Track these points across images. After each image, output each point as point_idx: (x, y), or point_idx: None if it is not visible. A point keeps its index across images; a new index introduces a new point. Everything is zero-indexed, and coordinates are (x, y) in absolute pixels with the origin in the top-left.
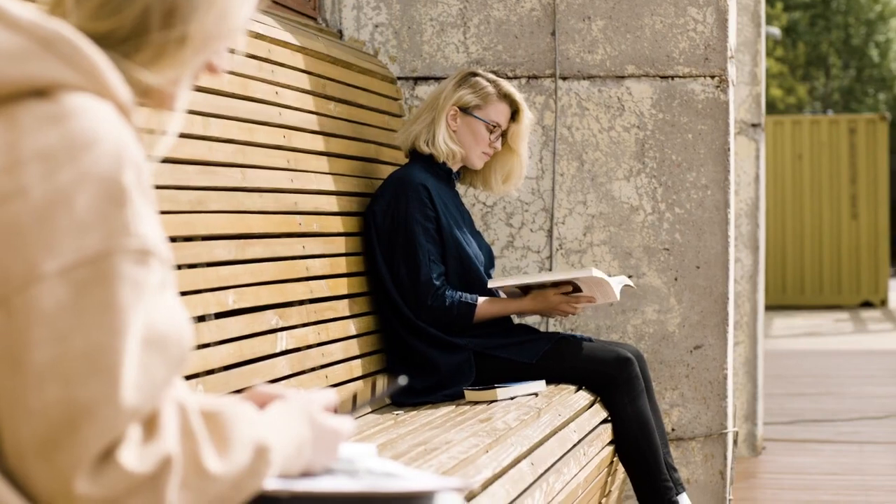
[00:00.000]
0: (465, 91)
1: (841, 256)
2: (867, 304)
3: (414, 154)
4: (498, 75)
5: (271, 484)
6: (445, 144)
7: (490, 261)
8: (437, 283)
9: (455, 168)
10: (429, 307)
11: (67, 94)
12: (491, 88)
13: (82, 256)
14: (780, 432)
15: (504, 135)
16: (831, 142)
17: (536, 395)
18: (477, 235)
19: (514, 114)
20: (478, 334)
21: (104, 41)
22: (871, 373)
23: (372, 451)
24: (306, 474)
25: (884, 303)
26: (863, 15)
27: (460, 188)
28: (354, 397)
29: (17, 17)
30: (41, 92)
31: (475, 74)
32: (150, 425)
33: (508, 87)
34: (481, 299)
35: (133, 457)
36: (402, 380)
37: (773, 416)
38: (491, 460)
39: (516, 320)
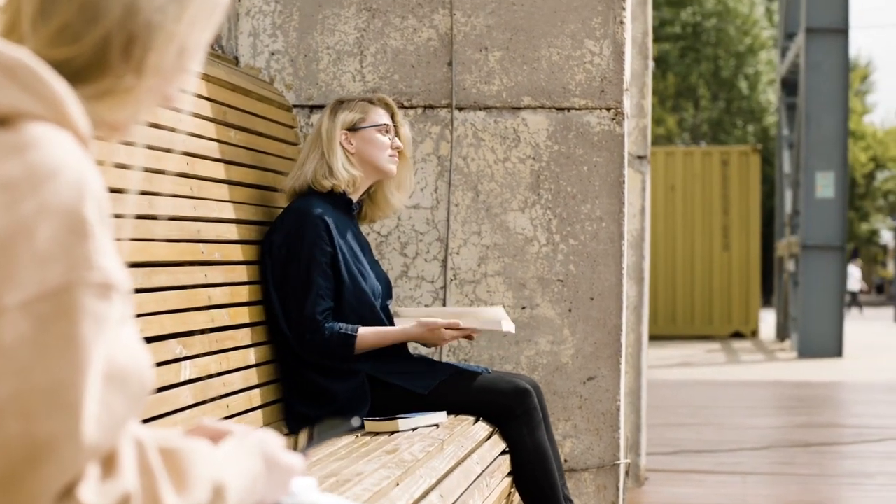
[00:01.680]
0: (344, 113)
1: (713, 287)
2: (737, 335)
3: (311, 190)
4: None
5: None
6: (345, 170)
7: (388, 291)
8: (319, 318)
9: (355, 198)
10: (307, 342)
11: (28, 123)
12: (364, 101)
13: (44, 289)
14: (663, 462)
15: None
16: (704, 173)
17: (437, 426)
18: (375, 265)
19: (392, 118)
20: (371, 358)
21: (61, 69)
22: (748, 403)
23: (313, 484)
24: None
25: (754, 333)
26: (732, 47)
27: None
28: (310, 433)
29: None
30: (1, 121)
31: (343, 99)
32: (109, 462)
33: (379, 94)
34: (362, 329)
35: (92, 494)
36: (355, 421)
37: (653, 447)
38: (403, 493)
39: (412, 349)
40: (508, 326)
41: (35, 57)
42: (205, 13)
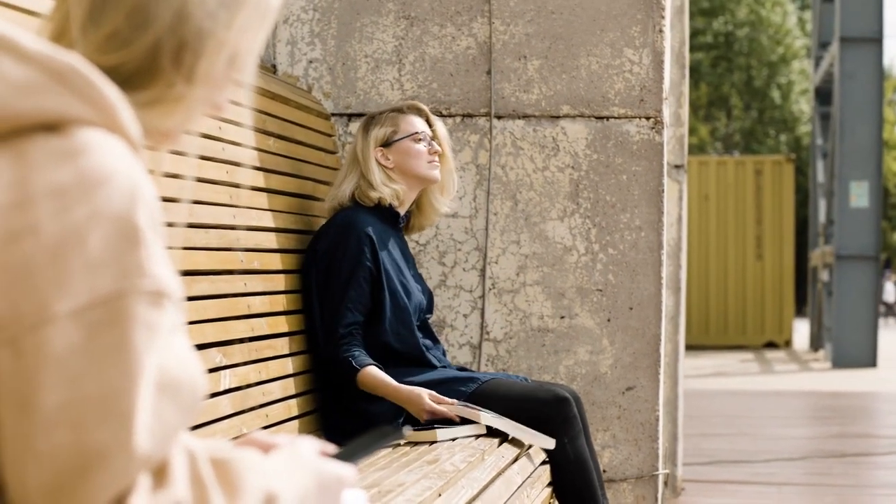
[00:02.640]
0: (376, 130)
1: (746, 297)
2: (771, 345)
3: (357, 203)
4: (432, 113)
5: None
6: (385, 186)
7: (430, 305)
8: (342, 331)
9: (402, 210)
10: (328, 353)
11: (79, 129)
12: (394, 112)
13: (95, 297)
14: (699, 473)
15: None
16: (738, 183)
17: (477, 437)
18: (419, 279)
19: (427, 122)
20: (406, 366)
21: (112, 75)
22: (782, 413)
23: (363, 497)
24: None
25: (788, 343)
26: (765, 57)
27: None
28: (357, 445)
29: (28, 48)
30: (52, 126)
31: (374, 115)
32: (161, 473)
33: (408, 101)
34: (370, 369)
35: None
36: (407, 430)
37: (689, 457)
38: (445, 503)
39: (451, 358)
40: (545, 443)
41: (86, 62)
42: (256, 19)
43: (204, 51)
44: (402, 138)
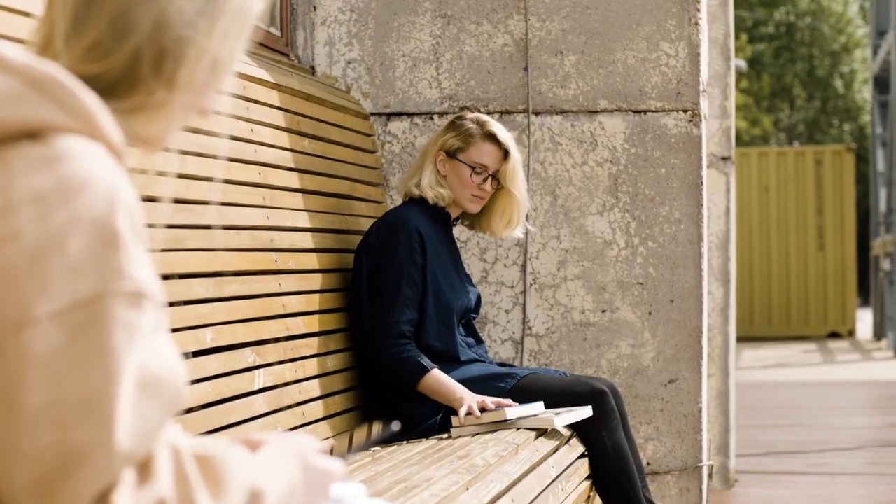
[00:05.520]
0: (450, 135)
1: (808, 287)
2: (834, 335)
3: (412, 199)
4: (470, 110)
5: None
6: (431, 188)
7: (478, 306)
8: (403, 328)
9: (454, 213)
10: (385, 348)
11: (60, 136)
12: (475, 129)
13: (76, 300)
14: (753, 464)
15: (496, 176)
16: (798, 173)
17: (536, 415)
18: (467, 280)
19: (505, 154)
20: (446, 361)
21: (94, 84)
22: (842, 403)
23: (361, 491)
24: None
25: (851, 333)
26: (827, 46)
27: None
28: (350, 439)
29: (8, 59)
30: (33, 134)
31: (462, 117)
32: (144, 469)
33: (494, 126)
34: (436, 371)
35: (128, 501)
36: (395, 425)
37: (744, 448)
38: (472, 497)
39: (493, 354)
40: (583, 413)
41: (66, 71)
42: (236, 26)
43: (184, 58)
44: (462, 162)
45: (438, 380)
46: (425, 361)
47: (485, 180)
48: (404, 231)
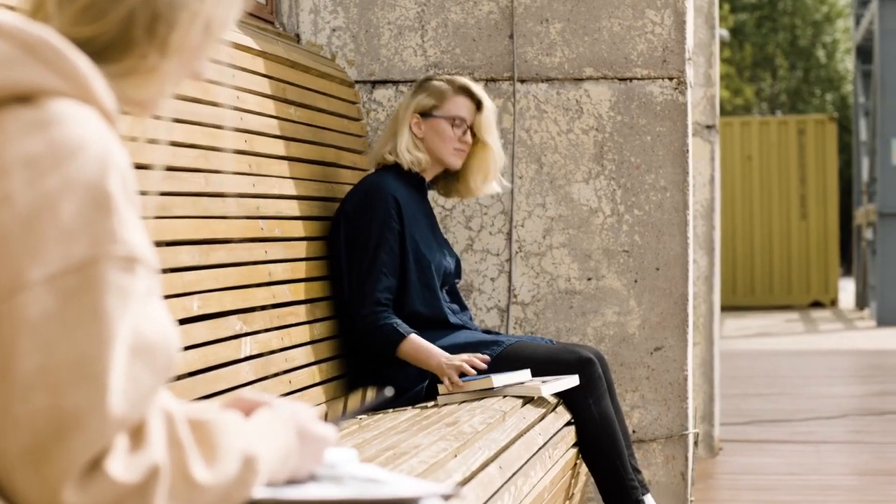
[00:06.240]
0: (422, 96)
1: (791, 257)
2: (817, 304)
3: (386, 166)
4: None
5: (258, 492)
6: (408, 152)
7: (458, 270)
8: (380, 296)
9: (428, 177)
10: (362, 317)
11: (52, 100)
12: (445, 86)
13: (68, 264)
14: (737, 433)
15: (472, 130)
16: (780, 143)
17: (523, 383)
18: (445, 245)
19: (479, 106)
20: (431, 329)
21: (86, 47)
22: (825, 373)
23: (353, 456)
24: (292, 481)
25: (833, 303)
26: (809, 16)
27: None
28: (345, 405)
29: (0, 22)
30: (25, 98)
31: (430, 79)
32: (137, 434)
33: (464, 80)
34: (413, 336)
35: (121, 466)
36: (389, 391)
37: (728, 417)
38: (460, 464)
39: (479, 322)
40: (569, 382)
41: (57, 34)
42: None
43: (177, 22)
44: (439, 117)
45: (416, 345)
46: (402, 328)
47: (464, 133)
48: (381, 198)
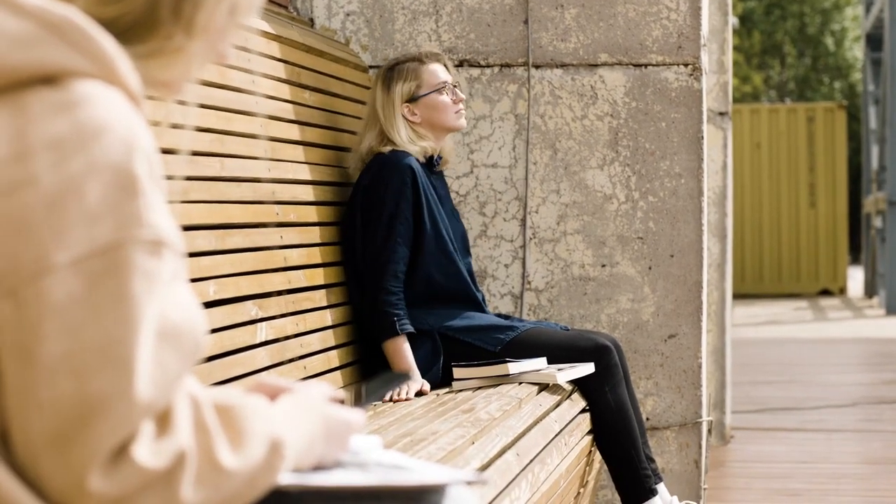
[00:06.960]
0: (399, 85)
1: (799, 245)
2: (826, 293)
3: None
4: (470, 64)
5: (284, 479)
6: (413, 144)
7: (465, 246)
8: (395, 266)
9: (435, 154)
10: (382, 289)
11: (77, 81)
12: (414, 64)
13: (94, 247)
14: (748, 421)
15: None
16: (790, 130)
17: (539, 370)
18: (454, 219)
19: (440, 60)
20: (444, 314)
21: (111, 27)
22: (835, 361)
23: (377, 442)
24: (318, 468)
25: (842, 291)
26: (818, 4)
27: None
28: (361, 390)
29: (24, 2)
30: (50, 79)
31: (392, 67)
32: (164, 420)
33: (419, 51)
34: (403, 341)
35: (147, 452)
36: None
37: (739, 405)
38: (478, 451)
39: (492, 309)
40: (585, 370)
41: (82, 14)
42: None
43: (203, 2)
44: (428, 93)
45: (400, 350)
46: (401, 326)
47: (454, 91)
48: (398, 169)
